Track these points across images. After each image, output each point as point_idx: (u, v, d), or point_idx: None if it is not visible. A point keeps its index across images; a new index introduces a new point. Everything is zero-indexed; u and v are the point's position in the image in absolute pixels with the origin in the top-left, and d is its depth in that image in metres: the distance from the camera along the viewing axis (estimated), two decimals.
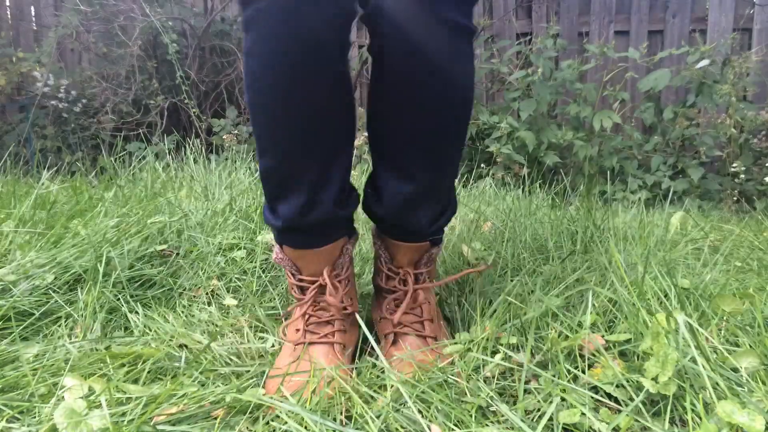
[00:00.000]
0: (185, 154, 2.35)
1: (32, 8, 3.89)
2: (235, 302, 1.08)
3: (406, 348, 0.88)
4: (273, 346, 0.94)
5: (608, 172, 2.87)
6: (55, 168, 2.83)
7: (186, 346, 0.91)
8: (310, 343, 0.86)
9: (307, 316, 0.87)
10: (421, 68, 0.77)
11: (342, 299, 0.88)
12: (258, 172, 0.81)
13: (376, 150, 0.88)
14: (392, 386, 0.73)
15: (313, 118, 0.77)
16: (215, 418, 0.70)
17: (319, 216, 0.83)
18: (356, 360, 0.90)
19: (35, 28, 3.90)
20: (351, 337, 0.91)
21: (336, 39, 0.74)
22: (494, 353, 0.82)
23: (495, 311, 0.96)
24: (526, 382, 0.74)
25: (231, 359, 0.88)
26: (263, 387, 0.81)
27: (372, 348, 0.90)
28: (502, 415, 0.68)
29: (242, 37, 0.76)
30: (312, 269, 0.88)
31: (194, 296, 1.12)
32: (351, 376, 0.82)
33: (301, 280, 0.89)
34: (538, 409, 0.70)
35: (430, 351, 0.87)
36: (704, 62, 2.77)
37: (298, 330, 0.88)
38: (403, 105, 0.80)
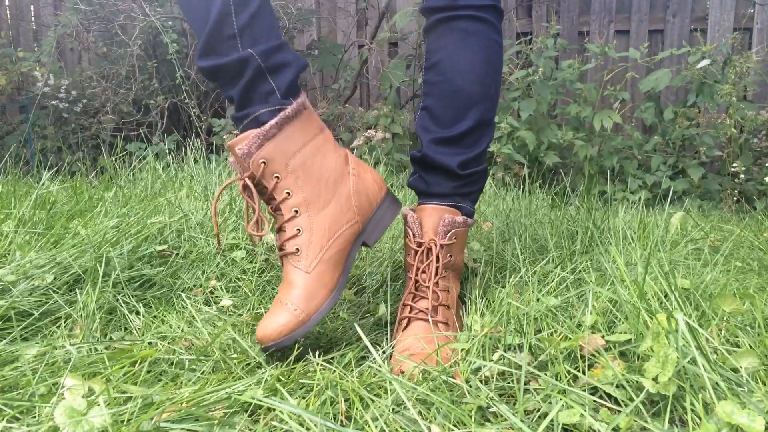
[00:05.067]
0: (185, 154, 2.35)
1: (32, 8, 3.89)
2: (230, 303, 1.08)
3: (411, 334, 0.92)
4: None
5: (608, 172, 2.87)
6: (56, 168, 2.83)
7: (186, 347, 0.91)
8: None
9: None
10: (449, 52, 1.00)
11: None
12: None
13: (423, 109, 1.05)
14: (392, 387, 0.73)
15: None
16: (215, 418, 0.70)
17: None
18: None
19: (35, 27, 3.90)
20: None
21: None
22: (493, 353, 0.82)
23: (494, 311, 0.96)
24: (526, 383, 0.74)
25: (231, 359, 0.88)
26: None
27: (375, 345, 0.90)
28: (502, 416, 0.68)
29: None
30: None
31: (194, 297, 1.12)
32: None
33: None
34: (538, 410, 0.70)
35: (435, 338, 0.90)
36: (705, 62, 2.77)
37: None
38: (442, 66, 1.01)
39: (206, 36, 0.85)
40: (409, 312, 0.96)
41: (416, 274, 0.98)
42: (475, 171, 1.04)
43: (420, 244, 0.99)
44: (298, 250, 0.88)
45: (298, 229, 0.88)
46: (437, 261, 0.98)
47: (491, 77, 1.02)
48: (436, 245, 0.98)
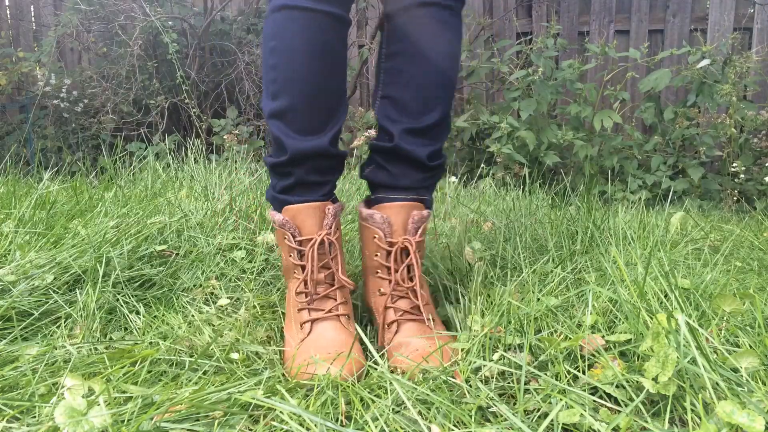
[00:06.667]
0: (185, 154, 2.35)
1: (32, 8, 3.89)
2: (228, 301, 1.08)
3: (407, 336, 0.92)
4: (266, 348, 0.94)
5: (608, 172, 2.87)
6: (56, 168, 2.83)
7: (186, 346, 0.91)
8: (316, 320, 0.93)
9: (306, 295, 0.95)
10: (422, 24, 0.98)
11: (341, 263, 0.97)
12: (267, 115, 0.99)
13: (386, 98, 1.03)
14: (392, 387, 0.73)
15: (331, 66, 0.96)
16: (215, 418, 0.70)
17: (322, 147, 0.96)
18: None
19: (35, 27, 3.90)
20: (350, 305, 0.98)
21: (348, 17, 0.96)
22: (494, 353, 0.82)
23: (494, 311, 0.96)
24: (526, 383, 0.74)
25: (231, 359, 0.88)
26: (283, 370, 0.87)
27: (373, 345, 0.90)
28: (502, 416, 0.68)
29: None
30: (309, 226, 0.96)
31: (194, 296, 1.12)
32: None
33: (300, 242, 0.96)
34: (538, 410, 0.70)
35: (432, 338, 0.91)
36: (705, 62, 2.77)
37: (300, 309, 0.95)
38: (409, 53, 0.99)
39: (336, 131, 0.98)
40: (395, 314, 0.95)
41: (392, 275, 0.96)
42: (439, 163, 1.04)
43: (391, 244, 0.97)
44: (348, 316, 0.96)
45: (346, 300, 0.97)
46: (417, 260, 0.96)
47: (456, 69, 1.03)
48: (411, 244, 0.96)
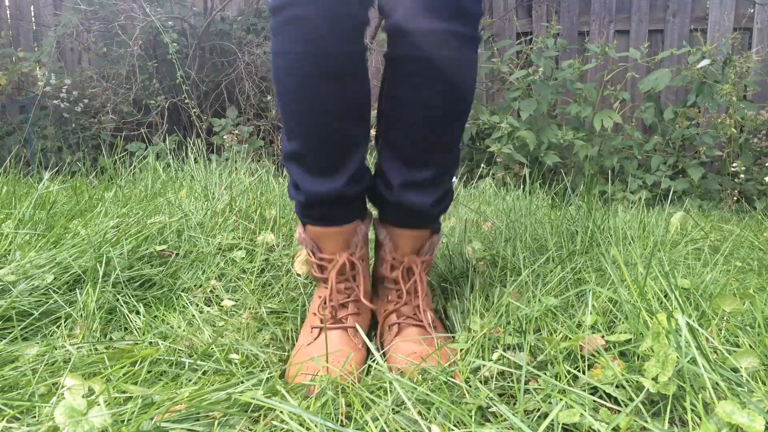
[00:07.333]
0: (186, 154, 2.35)
1: (32, 8, 3.89)
2: (232, 303, 1.08)
3: (407, 338, 0.94)
4: (268, 346, 0.94)
5: (608, 172, 2.87)
6: (56, 168, 2.83)
7: (186, 346, 0.91)
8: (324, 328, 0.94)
9: (324, 301, 0.95)
10: (430, 75, 0.87)
11: (363, 283, 0.97)
12: (283, 155, 0.96)
13: (386, 141, 0.96)
14: (392, 388, 0.73)
15: (334, 110, 0.87)
16: (215, 418, 0.70)
17: (337, 191, 0.92)
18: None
19: (35, 27, 3.90)
20: (364, 318, 0.99)
21: (350, 49, 0.85)
22: (493, 353, 0.82)
23: (494, 312, 0.96)
24: (526, 383, 0.74)
25: (231, 359, 0.88)
26: (284, 371, 0.88)
27: (375, 344, 0.90)
28: (502, 416, 0.68)
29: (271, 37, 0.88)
30: (330, 248, 0.96)
31: (194, 296, 1.12)
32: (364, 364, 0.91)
33: (321, 259, 0.97)
34: (538, 410, 0.70)
35: (431, 341, 0.92)
36: (705, 62, 2.77)
37: (314, 313, 0.96)
38: (412, 103, 0.89)
39: (354, 170, 0.93)
40: (397, 318, 0.97)
41: (399, 285, 0.98)
42: (446, 202, 1.00)
43: (396, 259, 0.99)
44: (356, 329, 0.95)
45: (359, 312, 0.98)
46: (421, 279, 0.98)
47: (467, 114, 0.94)
48: (417, 265, 0.98)
